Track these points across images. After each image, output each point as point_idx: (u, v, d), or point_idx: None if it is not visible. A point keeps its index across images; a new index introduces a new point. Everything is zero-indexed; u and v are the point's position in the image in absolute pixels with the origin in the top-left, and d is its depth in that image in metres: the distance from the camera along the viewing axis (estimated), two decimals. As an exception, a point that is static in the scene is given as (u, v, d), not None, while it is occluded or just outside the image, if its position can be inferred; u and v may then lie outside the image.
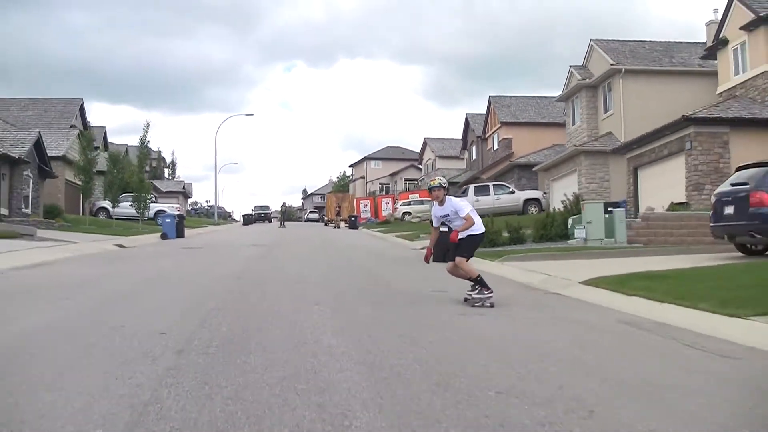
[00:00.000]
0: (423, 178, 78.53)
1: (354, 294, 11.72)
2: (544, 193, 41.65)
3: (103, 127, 67.44)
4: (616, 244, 20.65)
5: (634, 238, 21.19)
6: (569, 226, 22.48)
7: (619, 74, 36.80)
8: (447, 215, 10.55)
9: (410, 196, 61.49)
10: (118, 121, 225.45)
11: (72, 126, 53.52)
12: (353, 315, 9.12)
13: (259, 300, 10.57)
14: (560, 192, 37.57)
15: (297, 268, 16.81)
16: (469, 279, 10.41)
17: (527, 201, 40.37)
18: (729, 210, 15.21)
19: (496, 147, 58.37)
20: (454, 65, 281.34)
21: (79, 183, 43.44)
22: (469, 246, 10.53)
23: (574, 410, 4.45)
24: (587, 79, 39.85)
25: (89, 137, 43.62)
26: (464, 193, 42.61)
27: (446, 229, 10.84)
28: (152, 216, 48.09)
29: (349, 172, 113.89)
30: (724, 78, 31.40)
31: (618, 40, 40.91)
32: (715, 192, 17.00)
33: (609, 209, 22.20)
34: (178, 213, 39.48)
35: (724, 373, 5.85)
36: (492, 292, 10.16)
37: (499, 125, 57.21)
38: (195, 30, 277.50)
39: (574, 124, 42.24)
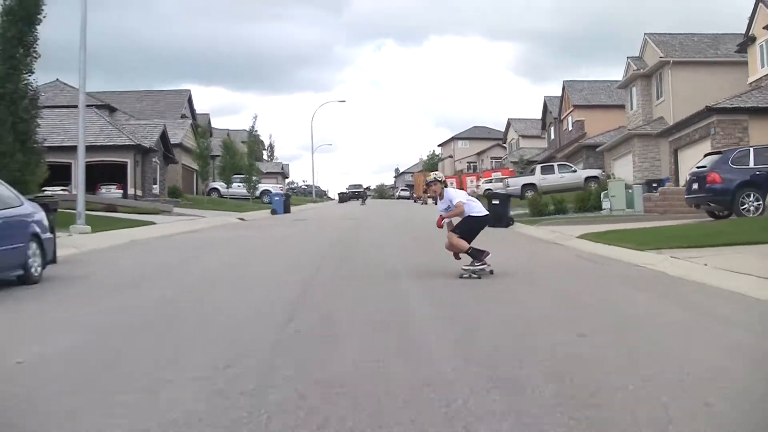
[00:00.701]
0: (506, 157, 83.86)
1: (411, 244, 18.14)
2: (602, 171, 46.94)
3: (207, 114, 74.70)
4: (634, 213, 26.36)
5: (651, 209, 26.84)
6: (601, 200, 28.31)
7: (668, 65, 41.91)
8: (448, 207, 11.69)
9: (493, 174, 66.85)
10: (212, 102, 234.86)
11: (183, 116, 60.79)
12: (404, 251, 15.55)
13: (355, 248, 17.04)
14: (619, 170, 43.10)
15: (379, 233, 23.18)
16: (458, 256, 11.60)
17: (588, 178, 45.44)
18: (695, 186, 21.04)
19: (570, 128, 63.55)
20: (546, 41, 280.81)
21: (194, 167, 50.78)
22: (466, 226, 11.59)
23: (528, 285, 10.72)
24: (641, 70, 45.02)
25: (204, 129, 50.90)
26: (532, 173, 48.15)
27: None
28: (258, 195, 55.19)
29: (438, 151, 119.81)
30: (753, 70, 36.33)
31: (669, 34, 45.92)
32: (688, 172, 22.74)
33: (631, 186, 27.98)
34: (285, 192, 46.38)
35: (605, 272, 12.10)
36: (484, 262, 11.27)
37: (572, 108, 62.36)
38: (286, 13, 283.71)
39: (631, 109, 47.49)
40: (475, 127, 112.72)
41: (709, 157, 21.54)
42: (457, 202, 11.51)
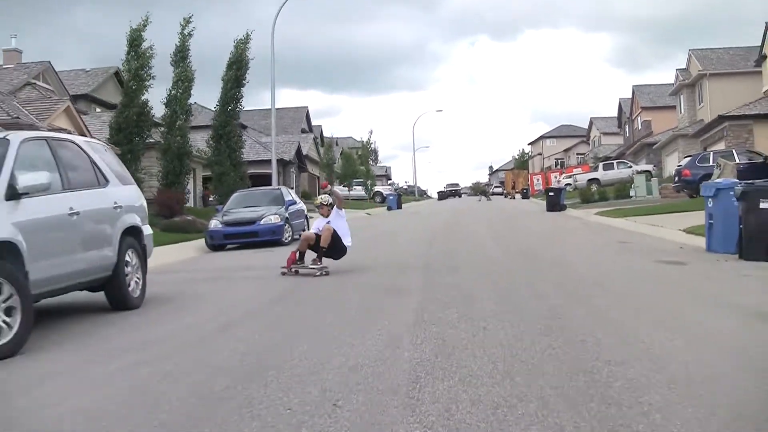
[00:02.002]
0: (588, 153, 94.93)
1: (496, 223, 30.52)
2: (654, 166, 58.18)
3: (320, 126, 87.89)
4: (650, 198, 37.88)
5: (666, 195, 38.31)
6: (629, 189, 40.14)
7: (706, 77, 53.10)
8: (329, 221, 13.43)
9: (573, 170, 77.96)
10: (309, 106, 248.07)
11: (303, 130, 73.90)
12: (486, 225, 27.98)
13: (455, 228, 29.41)
14: (671, 164, 54.54)
15: (471, 218, 35.46)
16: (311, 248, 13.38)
17: (641, 172, 56.67)
18: (677, 177, 32.78)
19: (639, 127, 74.56)
20: (642, 30, 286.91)
21: (315, 174, 63.97)
22: (336, 247, 13.33)
23: (546, 243, 23.18)
24: (686, 80, 56.26)
25: (329, 143, 64.19)
26: (596, 169, 59.66)
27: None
28: (371, 196, 68.21)
29: (528, 149, 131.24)
30: (766, 81, 47.41)
31: (710, 49, 56.95)
32: (674, 168, 34.53)
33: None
34: (397, 192, 59.26)
35: (584, 226, 24.45)
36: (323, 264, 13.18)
37: (640, 110, 73.41)
38: (379, 13, 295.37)
39: (680, 113, 58.74)
40: (562, 125, 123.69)
41: (686, 158, 33.45)
42: (326, 224, 13.37)
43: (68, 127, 30.73)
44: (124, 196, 10.36)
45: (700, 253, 14.02)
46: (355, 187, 64.25)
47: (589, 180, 54.99)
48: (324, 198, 14.08)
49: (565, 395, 4.77)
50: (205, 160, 38.80)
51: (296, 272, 13.13)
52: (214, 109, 39.08)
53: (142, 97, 31.71)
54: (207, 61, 47.81)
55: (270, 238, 21.85)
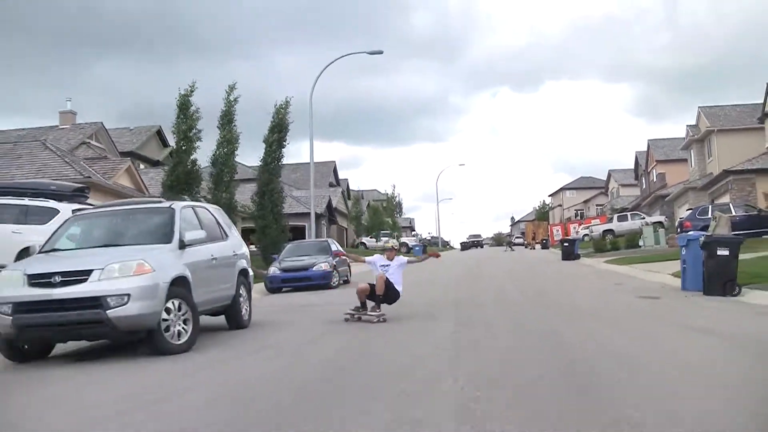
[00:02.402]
0: (606, 204, 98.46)
1: (510, 269, 34.23)
2: (666, 217, 61.71)
3: (346, 179, 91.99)
4: (657, 248, 41.40)
5: (673, 244, 41.78)
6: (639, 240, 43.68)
7: (714, 133, 56.77)
8: (388, 265, 14.61)
9: (592, 221, 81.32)
10: (333, 157, 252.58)
11: (330, 183, 77.94)
12: (505, 271, 31.72)
13: (478, 274, 33.18)
14: (684, 216, 58.02)
15: (493, 266, 39.14)
16: (364, 302, 14.36)
17: (654, 223, 60.21)
18: (679, 228, 36.36)
19: (654, 179, 78.20)
20: (662, 80, 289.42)
21: (344, 225, 67.86)
22: (393, 297, 14.52)
23: (557, 290, 26.91)
24: (696, 135, 59.99)
25: (357, 197, 68.26)
26: (611, 220, 63.20)
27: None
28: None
29: (548, 200, 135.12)
30: (768, 138, 51.11)
31: (718, 106, 60.75)
32: (677, 220, 38.15)
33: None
34: (422, 243, 63.16)
35: (592, 272, 28.10)
36: (383, 312, 14.12)
37: (655, 163, 77.13)
38: (401, 66, 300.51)
39: (691, 166, 62.41)
40: (582, 177, 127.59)
41: (688, 211, 37.04)
42: (406, 261, 15.43)
43: (129, 185, 34.97)
44: (239, 247, 14.37)
45: (676, 291, 17.70)
46: (382, 238, 68.22)
47: (605, 231, 58.48)
48: (394, 242, 16.06)
49: (552, 371, 8.49)
50: (247, 214, 42.64)
51: (359, 318, 14.19)
52: (244, 164, 42.76)
53: (191, 157, 35.76)
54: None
55: (320, 282, 25.79)
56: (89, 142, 43.83)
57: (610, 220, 63.97)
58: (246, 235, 45.00)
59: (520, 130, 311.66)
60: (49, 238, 12.09)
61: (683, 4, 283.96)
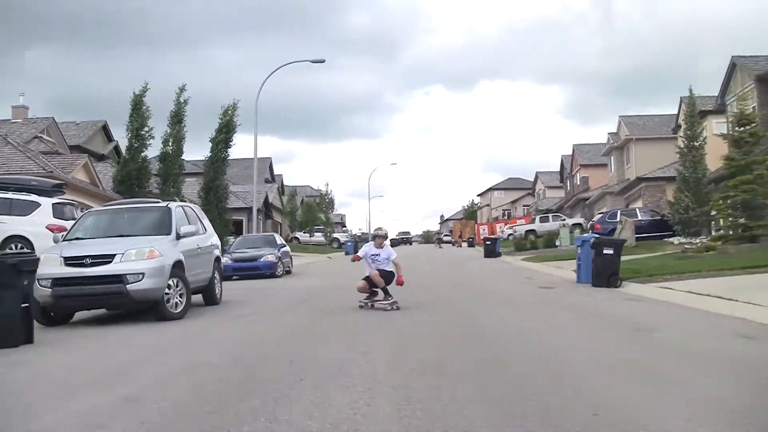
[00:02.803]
0: (533, 205, 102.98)
1: (439, 265, 37.92)
2: (585, 219, 66.03)
3: (281, 175, 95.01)
4: (572, 248, 45.33)
5: (587, 245, 45.98)
6: (556, 240, 47.73)
7: (632, 141, 61.16)
8: (378, 254, 15.75)
9: (517, 221, 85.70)
10: (265, 151, 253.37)
11: (266, 180, 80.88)
12: (431, 263, 35.39)
13: (407, 268, 36.75)
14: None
15: (420, 261, 42.75)
16: (374, 290, 15.65)
17: (573, 225, 64.55)
18: (590, 230, 40.38)
19: (578, 183, 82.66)
20: (594, 83, 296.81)
21: (278, 221, 71.04)
22: (389, 279, 15.58)
23: (469, 278, 30.59)
24: (616, 143, 64.40)
25: (292, 193, 71.56)
26: (533, 221, 67.37)
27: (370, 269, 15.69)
28: (330, 242, 75.51)
29: (477, 200, 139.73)
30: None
31: (638, 116, 65.36)
32: (590, 222, 42.25)
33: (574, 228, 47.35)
34: (354, 239, 66.65)
35: (502, 267, 31.87)
36: (394, 298, 15.33)
37: (579, 167, 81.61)
38: (337, 62, 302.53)
39: (611, 172, 66.86)
40: (509, 178, 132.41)
41: (599, 215, 41.11)
42: (394, 257, 16.03)
43: (85, 179, 37.78)
44: (214, 239, 17.87)
45: (571, 284, 21.38)
46: (315, 233, 71.73)
47: (527, 231, 62.67)
48: (385, 230, 16.80)
49: (464, 338, 12.04)
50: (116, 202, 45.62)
51: (372, 306, 15.36)
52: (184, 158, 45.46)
53: (142, 154, 38.84)
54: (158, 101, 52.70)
55: (267, 272, 29.24)
56: (41, 137, 46.29)
57: (533, 220, 68.19)
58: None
59: (453, 129, 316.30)
60: (70, 230, 15.58)
61: (619, 10, 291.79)
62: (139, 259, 13.50)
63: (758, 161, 27.52)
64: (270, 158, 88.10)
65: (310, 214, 73.42)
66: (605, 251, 19.80)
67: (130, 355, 10.27)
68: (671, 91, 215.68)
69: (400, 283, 15.58)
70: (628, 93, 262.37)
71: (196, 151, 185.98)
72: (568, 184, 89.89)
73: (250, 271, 28.88)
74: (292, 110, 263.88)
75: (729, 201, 27.74)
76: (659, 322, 12.12)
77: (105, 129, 57.13)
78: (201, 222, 17.33)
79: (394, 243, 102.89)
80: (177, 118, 40.95)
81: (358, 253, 16.74)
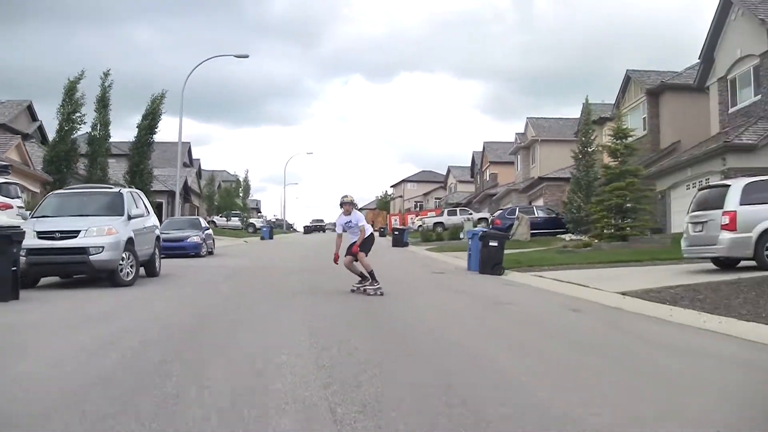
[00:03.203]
0: (444, 198, 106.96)
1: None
2: (491, 214, 70.02)
3: (198, 159, 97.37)
4: (477, 241, 49.25)
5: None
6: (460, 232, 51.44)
7: (538, 142, 65.32)
8: (349, 221, 16.42)
9: (428, 213, 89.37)
10: (182, 135, 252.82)
11: (185, 164, 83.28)
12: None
13: (316, 252, 40.01)
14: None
15: (330, 247, 46.10)
16: (362, 274, 16.31)
17: (479, 219, 68.44)
18: (491, 225, 44.12)
19: (487, 179, 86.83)
20: (512, 80, 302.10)
21: (196, 204, 73.72)
22: (369, 245, 16.52)
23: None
24: (523, 143, 68.55)
25: (210, 178, 74.23)
26: (441, 214, 71.19)
27: (353, 238, 16.57)
28: (246, 226, 78.43)
29: (390, 191, 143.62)
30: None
31: (544, 118, 69.55)
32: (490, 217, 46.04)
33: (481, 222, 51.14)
34: (269, 225, 69.68)
35: (407, 256, 35.36)
36: (380, 285, 16.07)
37: (488, 164, 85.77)
38: (257, 46, 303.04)
39: (518, 170, 71.04)
40: (423, 171, 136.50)
41: (499, 210, 44.93)
42: (362, 225, 16.38)
43: (18, 159, 40.16)
44: (154, 220, 21.00)
45: (461, 270, 24.93)
46: (232, 218, 74.63)
47: (435, 223, 66.33)
48: (351, 197, 16.80)
49: (358, 309, 15.41)
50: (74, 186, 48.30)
51: (364, 290, 16.10)
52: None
53: (72, 137, 41.39)
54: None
55: (193, 252, 32.35)
56: (-33, 116, 48.35)
57: (442, 213, 71.87)
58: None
59: (370, 119, 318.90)
60: (36, 209, 18.51)
61: (539, 9, 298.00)
62: (100, 235, 16.63)
63: (630, 171, 31.71)
64: (189, 143, 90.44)
65: (228, 200, 76.63)
66: (491, 243, 23.33)
67: (99, 308, 13.34)
68: (582, 93, 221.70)
69: (354, 252, 16.22)
70: (543, 92, 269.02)
71: (113, 131, 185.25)
72: (479, 179, 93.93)
73: (177, 250, 31.66)
74: (211, 93, 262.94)
75: (605, 204, 31.64)
76: (516, 299, 15.60)
77: (30, 108, 59.03)
78: (144, 205, 20.42)
79: (308, 230, 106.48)
80: (103, 103, 43.51)
81: (336, 230, 17.57)
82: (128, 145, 46.13)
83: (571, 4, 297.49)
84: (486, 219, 65.15)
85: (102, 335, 9.85)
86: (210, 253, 34.77)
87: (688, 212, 20.11)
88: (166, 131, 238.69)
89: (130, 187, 25.94)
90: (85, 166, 42.85)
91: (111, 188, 20.38)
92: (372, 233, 16.80)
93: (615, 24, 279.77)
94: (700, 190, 21.22)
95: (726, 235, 17.88)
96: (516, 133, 72.00)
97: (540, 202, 57.24)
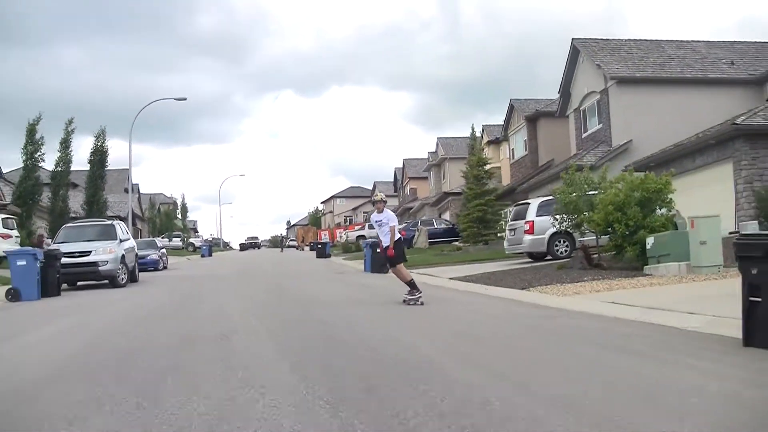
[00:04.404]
0: (370, 212, 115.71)
1: (278, 263, 50.48)
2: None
3: (137, 184, 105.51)
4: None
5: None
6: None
7: (447, 160, 74.69)
8: (380, 220, 16.39)
9: (355, 227, 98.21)
10: (112, 155, 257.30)
11: (125, 189, 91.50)
12: (277, 264, 47.91)
13: (252, 265, 49.14)
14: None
15: (269, 262, 55.06)
16: (405, 281, 16.27)
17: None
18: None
19: (408, 193, 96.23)
20: (441, 90, 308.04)
21: (139, 227, 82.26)
22: (400, 248, 16.47)
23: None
24: (434, 161, 77.95)
25: (152, 202, 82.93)
26: (362, 228, 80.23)
27: (379, 243, 17.59)
28: (186, 246, 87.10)
29: (321, 207, 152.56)
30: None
31: (453, 138, 78.91)
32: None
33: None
34: (209, 243, 78.53)
35: (333, 265, 44.59)
36: (421, 293, 16.04)
37: (408, 179, 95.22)
38: (184, 64, 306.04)
39: (431, 185, 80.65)
40: (351, 187, 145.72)
41: (404, 223, 54.39)
42: (393, 224, 16.43)
43: (-7, 196, 48.50)
44: (133, 243, 30.23)
45: (359, 271, 34.06)
46: (173, 238, 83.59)
47: (358, 236, 75.31)
48: (382, 195, 17.17)
49: (279, 298, 24.59)
50: (78, 220, 56.76)
51: (404, 301, 15.96)
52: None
53: (35, 174, 49.77)
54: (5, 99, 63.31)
55: (152, 266, 41.29)
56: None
57: (363, 227, 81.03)
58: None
59: (302, 134, 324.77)
60: (57, 236, 27.54)
61: (464, 19, 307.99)
62: (104, 253, 25.74)
63: (488, 191, 41.62)
64: (128, 169, 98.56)
65: (168, 222, 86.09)
66: (378, 250, 32.46)
67: (109, 298, 22.24)
68: (507, 99, 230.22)
69: (389, 256, 16.39)
70: (473, 100, 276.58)
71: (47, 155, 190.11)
72: (401, 193, 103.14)
73: (140, 265, 39.62)
74: (143, 113, 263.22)
75: (470, 216, 41.33)
76: (379, 284, 24.45)
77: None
78: (126, 231, 29.44)
79: (244, 247, 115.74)
80: (65, 144, 51.88)
81: (366, 229, 20.40)
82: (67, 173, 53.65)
83: (497, 14, 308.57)
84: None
85: (117, 311, 18.51)
86: (165, 267, 43.70)
87: (507, 222, 29.84)
88: (87, 148, 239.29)
89: (113, 219, 34.75)
90: (48, 198, 51.15)
91: (104, 221, 29.72)
92: (401, 237, 16.95)
93: (541, 31, 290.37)
94: (515, 206, 31.08)
95: (527, 237, 27.78)
96: (428, 152, 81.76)
97: (447, 215, 66.54)
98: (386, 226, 16.21)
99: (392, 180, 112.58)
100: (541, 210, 27.74)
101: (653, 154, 33.81)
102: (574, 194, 23.33)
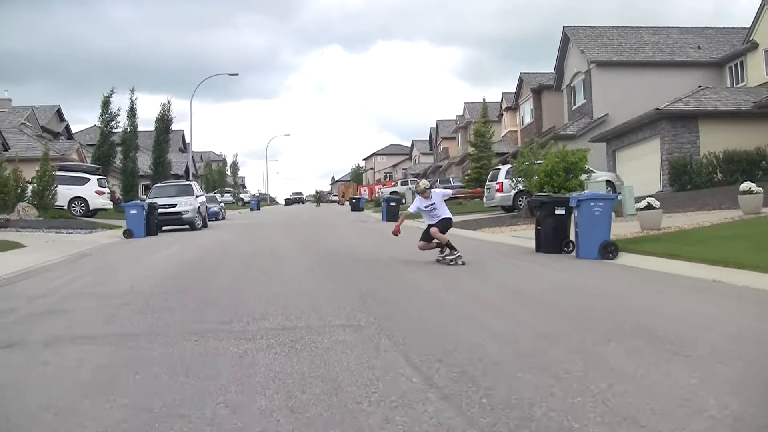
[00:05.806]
0: (409, 169, 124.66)
1: (317, 216, 60.60)
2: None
3: (190, 143, 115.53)
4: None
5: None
6: (405, 199, 70.36)
7: (471, 123, 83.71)
8: (432, 204, 16.40)
9: (392, 184, 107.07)
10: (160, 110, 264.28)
11: (180, 149, 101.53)
12: (319, 214, 58.02)
13: (296, 216, 59.14)
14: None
15: (309, 214, 64.94)
16: (440, 245, 16.22)
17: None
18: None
19: (441, 152, 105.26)
20: (489, 45, 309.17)
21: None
22: (446, 227, 16.34)
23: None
24: (461, 124, 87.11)
25: (207, 161, 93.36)
26: (395, 185, 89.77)
27: (431, 221, 16.37)
28: (236, 201, 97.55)
29: (362, 164, 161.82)
30: (503, 128, 78.31)
31: (478, 102, 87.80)
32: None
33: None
34: (256, 198, 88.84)
35: (361, 218, 54.60)
36: (459, 253, 16.01)
37: (441, 139, 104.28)
38: (234, 20, 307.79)
39: (458, 146, 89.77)
40: (391, 144, 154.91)
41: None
42: (451, 193, 19.42)
43: (77, 158, 58.83)
44: (204, 198, 40.50)
45: (378, 220, 43.72)
46: (225, 194, 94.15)
47: (390, 193, 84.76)
48: (425, 183, 17.63)
49: (312, 243, 34.60)
50: (147, 179, 66.84)
51: (444, 259, 16.21)
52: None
53: (111, 138, 59.82)
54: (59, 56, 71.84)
55: (215, 217, 50.71)
56: (26, 123, 66.10)
57: (396, 184, 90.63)
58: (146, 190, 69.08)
59: (349, 89, 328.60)
60: (149, 192, 37.87)
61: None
62: (186, 205, 35.77)
63: (485, 156, 51.40)
64: (182, 130, 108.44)
65: (220, 179, 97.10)
66: (391, 204, 42.44)
67: (187, 237, 31.99)
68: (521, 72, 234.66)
69: (432, 233, 16.32)
70: (522, 56, 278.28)
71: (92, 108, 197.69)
72: (435, 152, 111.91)
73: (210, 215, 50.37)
74: (188, 69, 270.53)
75: (470, 176, 51.09)
76: (387, 229, 34.18)
77: (59, 112, 75.97)
78: (202, 190, 39.51)
79: (289, 202, 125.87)
80: (132, 112, 61.78)
81: (410, 210, 18.48)
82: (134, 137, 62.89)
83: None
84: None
85: (203, 242, 28.45)
86: (224, 218, 53.89)
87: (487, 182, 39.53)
88: (148, 111, 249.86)
89: (190, 180, 44.69)
90: (120, 160, 61.20)
91: (184, 182, 39.78)
92: (450, 217, 16.70)
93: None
94: (492, 170, 40.96)
95: (498, 195, 37.48)
96: (456, 115, 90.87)
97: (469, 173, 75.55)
98: (439, 210, 16.38)
99: (428, 139, 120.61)
100: (509, 174, 37.01)
101: (613, 128, 43.38)
102: (526, 164, 33.04)
